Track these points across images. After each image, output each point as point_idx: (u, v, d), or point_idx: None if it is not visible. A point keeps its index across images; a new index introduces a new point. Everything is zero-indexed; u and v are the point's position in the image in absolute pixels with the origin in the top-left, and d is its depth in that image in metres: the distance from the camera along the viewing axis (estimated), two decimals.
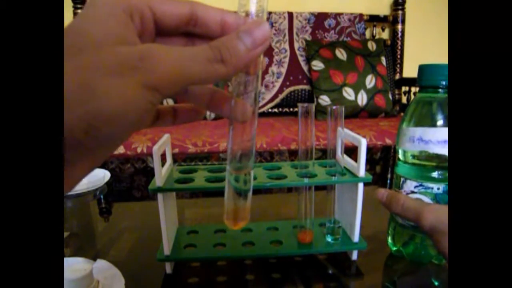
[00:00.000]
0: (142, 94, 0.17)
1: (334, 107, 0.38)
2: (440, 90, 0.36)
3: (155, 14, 0.20)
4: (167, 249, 0.38)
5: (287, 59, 1.75)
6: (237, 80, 0.22)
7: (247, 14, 0.21)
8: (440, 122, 0.36)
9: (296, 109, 1.73)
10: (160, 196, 0.36)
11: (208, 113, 1.53)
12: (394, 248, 0.41)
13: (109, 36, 0.17)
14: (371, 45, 1.70)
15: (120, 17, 0.18)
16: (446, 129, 0.36)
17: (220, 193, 0.67)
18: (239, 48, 0.19)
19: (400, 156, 0.39)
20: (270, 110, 1.75)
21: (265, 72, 1.73)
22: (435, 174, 0.37)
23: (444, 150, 0.36)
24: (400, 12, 1.88)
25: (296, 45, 1.76)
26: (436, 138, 0.36)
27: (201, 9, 0.21)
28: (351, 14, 1.82)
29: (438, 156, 0.36)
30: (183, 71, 0.18)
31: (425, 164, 0.37)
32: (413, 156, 0.38)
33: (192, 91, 0.24)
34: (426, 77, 0.37)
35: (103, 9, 0.18)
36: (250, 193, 0.24)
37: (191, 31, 0.22)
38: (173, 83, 0.18)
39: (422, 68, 0.37)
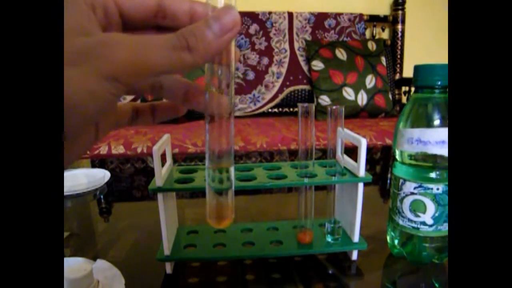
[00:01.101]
0: (101, 84, 0.16)
1: (334, 107, 0.38)
2: (436, 90, 0.36)
3: (120, 7, 0.20)
4: (167, 249, 0.38)
5: (287, 59, 1.75)
6: (209, 71, 0.22)
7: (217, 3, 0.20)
8: (436, 122, 0.36)
9: (296, 109, 1.73)
10: (160, 196, 0.36)
11: None
12: (394, 248, 0.41)
13: (70, 28, 0.17)
14: (371, 45, 1.70)
15: (82, 10, 0.18)
16: (444, 130, 0.36)
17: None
18: (206, 35, 0.18)
19: (397, 157, 0.39)
20: (270, 110, 1.75)
21: (265, 72, 1.73)
22: (433, 175, 0.37)
23: (442, 151, 0.36)
24: (400, 12, 1.88)
25: (296, 45, 1.76)
26: (434, 139, 0.36)
27: (169, 0, 0.21)
28: (351, 14, 1.82)
29: (435, 156, 0.36)
30: (144, 59, 0.17)
31: (422, 164, 0.37)
32: (410, 157, 0.38)
33: (166, 86, 0.24)
34: (422, 77, 0.37)
35: (65, 2, 0.17)
36: (231, 191, 0.24)
37: (160, 23, 0.21)
38: (133, 72, 0.17)
39: (418, 69, 0.37)
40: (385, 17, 1.90)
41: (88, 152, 1.20)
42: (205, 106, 0.22)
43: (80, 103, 0.16)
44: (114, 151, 1.20)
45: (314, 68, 1.64)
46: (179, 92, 0.24)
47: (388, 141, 1.33)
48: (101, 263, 0.38)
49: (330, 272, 0.39)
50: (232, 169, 0.24)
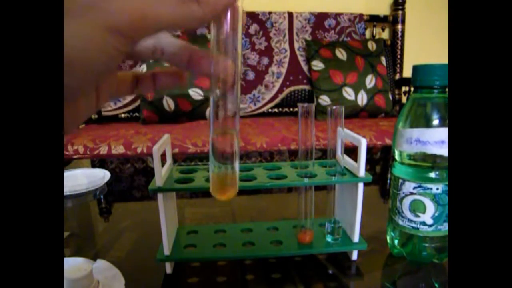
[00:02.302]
0: (104, 37, 0.16)
1: (334, 107, 0.38)
2: (434, 90, 0.36)
3: None
4: (167, 249, 0.38)
5: (287, 59, 1.75)
6: (216, 38, 0.21)
7: None
8: (435, 122, 0.36)
9: (296, 109, 1.73)
10: (160, 196, 0.36)
11: (208, 113, 1.52)
12: (394, 248, 0.41)
13: None
14: (371, 45, 1.70)
15: None
16: (443, 130, 0.36)
17: None
18: None
19: (397, 157, 0.39)
20: (270, 110, 1.75)
21: (265, 72, 1.73)
22: (433, 175, 0.37)
23: (442, 151, 0.36)
24: (400, 12, 1.88)
25: (296, 45, 1.76)
26: (433, 139, 0.36)
27: None
28: (351, 14, 1.82)
29: (434, 156, 0.36)
30: (150, 11, 0.16)
31: (421, 164, 0.37)
32: (410, 157, 0.38)
33: (168, 50, 0.23)
34: (421, 77, 0.37)
35: None
36: (237, 159, 0.23)
37: None
38: (137, 24, 0.16)
39: (417, 69, 0.37)
40: (385, 17, 1.90)
41: (88, 152, 1.20)
42: (210, 71, 0.21)
43: (82, 55, 0.15)
44: (114, 151, 1.20)
45: (314, 68, 1.64)
46: (183, 57, 0.23)
47: (388, 141, 1.33)
48: (101, 263, 0.38)
49: (330, 272, 0.39)
50: (237, 136, 0.23)
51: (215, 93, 0.22)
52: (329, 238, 0.41)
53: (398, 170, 0.39)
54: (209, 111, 0.23)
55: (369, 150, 1.00)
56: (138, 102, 1.64)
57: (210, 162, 0.23)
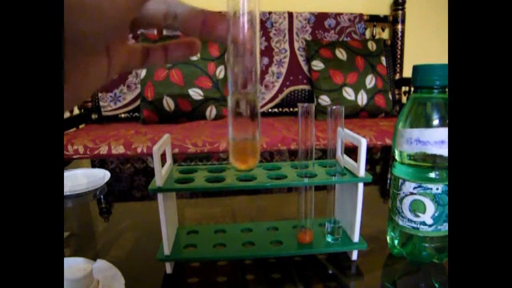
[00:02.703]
0: None
1: (334, 107, 0.38)
2: (434, 90, 0.36)
3: None
4: (167, 249, 0.38)
5: (287, 59, 1.75)
6: (230, 1, 0.21)
7: None
8: (435, 122, 0.36)
9: (296, 109, 1.73)
10: (160, 196, 0.36)
11: (208, 113, 1.53)
12: (394, 248, 0.41)
13: None
14: (371, 45, 1.70)
15: None
16: (443, 130, 0.36)
17: (220, 193, 0.67)
18: None
19: (397, 157, 0.39)
20: (270, 110, 1.75)
21: (265, 72, 1.73)
22: (433, 175, 0.37)
23: (441, 151, 0.36)
24: (400, 12, 1.88)
25: (296, 45, 1.76)
26: (433, 139, 0.36)
27: None
28: (351, 14, 1.82)
29: (434, 156, 0.36)
30: None
31: (421, 164, 0.37)
32: (410, 157, 0.38)
33: (181, 15, 0.22)
34: (421, 77, 0.37)
35: None
36: (258, 121, 0.22)
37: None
38: None
39: (417, 69, 0.37)
40: (385, 17, 1.90)
41: (88, 152, 1.20)
42: (226, 34, 0.21)
43: (96, 3, 0.15)
44: (114, 151, 1.20)
45: (314, 68, 1.64)
46: (197, 21, 0.22)
47: (388, 141, 1.33)
48: (101, 263, 0.38)
49: (330, 272, 0.39)
50: (258, 99, 0.22)
51: (231, 60, 0.21)
52: (329, 238, 0.41)
53: (398, 170, 0.39)
54: (227, 84, 0.22)
55: (369, 150, 1.00)
56: (138, 102, 1.64)
57: (230, 123, 0.22)
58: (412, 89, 0.39)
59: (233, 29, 0.21)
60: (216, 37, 0.22)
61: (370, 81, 1.62)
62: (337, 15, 1.80)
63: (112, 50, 0.21)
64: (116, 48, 0.21)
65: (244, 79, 0.21)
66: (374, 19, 1.89)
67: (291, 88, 1.74)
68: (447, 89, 0.37)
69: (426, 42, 2.00)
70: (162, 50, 0.25)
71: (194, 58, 1.52)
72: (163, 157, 0.38)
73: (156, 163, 0.35)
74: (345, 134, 0.39)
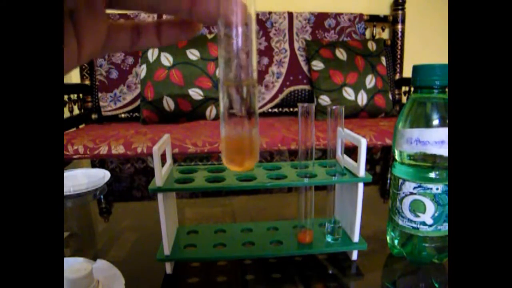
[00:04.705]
0: None
1: (334, 107, 0.38)
2: (434, 90, 0.36)
3: None
4: (167, 249, 0.38)
5: (287, 59, 1.75)
6: None
7: None
8: (435, 122, 0.36)
9: (296, 109, 1.73)
10: (160, 196, 0.36)
11: (208, 113, 1.53)
12: (394, 248, 0.41)
13: None
14: (371, 45, 1.70)
15: None
16: (443, 130, 0.36)
17: (220, 193, 0.67)
18: None
19: (397, 157, 0.39)
20: (270, 110, 1.75)
21: (265, 72, 1.73)
22: (433, 175, 0.37)
23: (441, 151, 0.36)
24: (400, 12, 1.88)
25: (296, 45, 1.76)
26: (433, 139, 0.36)
27: None
28: (351, 14, 1.82)
29: (434, 156, 0.36)
30: None
31: (421, 164, 0.37)
32: (410, 157, 0.38)
33: None
34: (421, 77, 0.37)
35: None
36: (256, 117, 0.18)
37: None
38: None
39: (416, 69, 0.37)
40: (385, 17, 1.90)
41: (88, 152, 1.20)
42: (218, 10, 0.19)
43: None
44: (114, 151, 1.20)
45: (314, 68, 1.64)
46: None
47: (388, 141, 1.33)
48: (101, 263, 0.38)
49: (330, 272, 0.39)
50: (256, 89, 0.19)
51: (224, 38, 0.19)
52: (329, 238, 0.41)
53: (398, 170, 0.39)
54: (218, 71, 0.20)
55: (369, 150, 1.00)
56: (138, 102, 1.64)
57: (221, 121, 0.19)
58: (412, 89, 0.39)
59: (226, 9, 0.18)
60: (206, 15, 0.20)
61: (370, 81, 1.62)
62: (337, 15, 1.80)
63: (82, 26, 0.19)
64: (86, 24, 0.19)
65: (237, 65, 0.19)
66: (374, 19, 1.89)
67: (291, 88, 1.74)
68: (447, 89, 0.37)
69: (426, 42, 2.00)
70: (156, 30, 0.22)
71: (194, 57, 1.52)
72: (163, 157, 0.38)
73: (156, 163, 0.35)
74: (345, 134, 0.39)
